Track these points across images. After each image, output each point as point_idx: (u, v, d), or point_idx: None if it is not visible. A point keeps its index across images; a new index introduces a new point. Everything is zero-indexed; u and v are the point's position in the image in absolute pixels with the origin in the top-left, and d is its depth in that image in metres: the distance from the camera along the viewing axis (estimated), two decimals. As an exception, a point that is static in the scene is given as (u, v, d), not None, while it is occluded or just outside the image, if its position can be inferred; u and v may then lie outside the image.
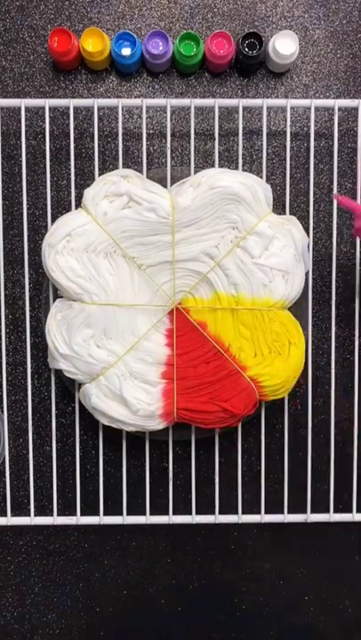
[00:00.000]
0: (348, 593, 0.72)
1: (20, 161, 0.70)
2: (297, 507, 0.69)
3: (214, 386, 0.64)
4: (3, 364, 0.69)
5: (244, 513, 0.68)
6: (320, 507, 0.69)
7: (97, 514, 0.68)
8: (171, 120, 0.71)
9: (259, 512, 0.68)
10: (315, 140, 0.71)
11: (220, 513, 0.68)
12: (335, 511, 0.69)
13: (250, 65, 0.70)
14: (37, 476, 0.71)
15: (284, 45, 0.69)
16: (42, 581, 0.71)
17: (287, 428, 0.68)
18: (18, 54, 0.71)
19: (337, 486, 0.69)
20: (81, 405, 0.66)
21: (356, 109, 0.68)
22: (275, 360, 0.64)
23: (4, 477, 0.68)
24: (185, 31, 0.69)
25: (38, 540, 0.71)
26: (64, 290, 0.63)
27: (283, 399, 0.67)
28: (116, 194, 0.63)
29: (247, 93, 0.72)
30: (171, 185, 0.66)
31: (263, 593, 0.72)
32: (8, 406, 0.71)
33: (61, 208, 0.70)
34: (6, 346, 0.70)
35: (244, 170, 0.70)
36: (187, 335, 0.64)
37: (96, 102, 0.66)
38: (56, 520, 0.68)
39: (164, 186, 0.65)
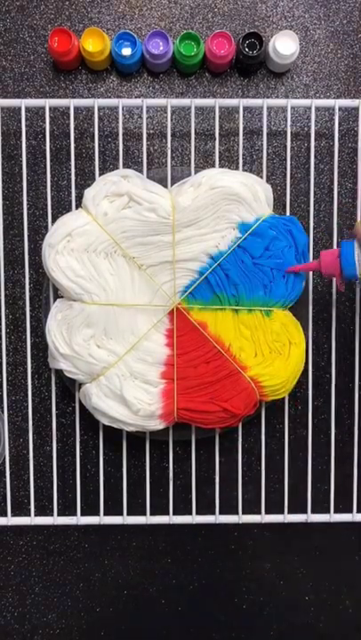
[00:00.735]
0: (348, 593, 0.72)
1: (20, 161, 0.70)
2: (297, 507, 0.69)
3: (214, 386, 0.64)
4: (3, 364, 0.69)
5: (244, 513, 0.68)
6: (320, 507, 0.69)
7: (97, 514, 0.68)
8: (171, 120, 0.71)
9: (259, 512, 0.68)
10: (315, 139, 0.71)
11: (220, 513, 0.68)
12: (335, 511, 0.69)
13: (250, 65, 0.70)
14: (37, 475, 0.71)
15: (284, 45, 0.69)
16: (42, 581, 0.71)
17: (287, 428, 0.68)
18: (18, 54, 0.71)
19: (337, 486, 0.69)
20: (81, 405, 0.66)
21: (356, 109, 0.68)
22: (275, 360, 0.64)
23: (4, 477, 0.68)
24: (185, 31, 0.69)
25: (38, 540, 0.71)
26: (64, 290, 0.63)
27: (283, 399, 0.67)
28: (117, 194, 0.63)
29: (247, 93, 0.72)
30: (171, 185, 0.66)
31: (263, 593, 0.72)
32: (8, 406, 0.71)
33: (61, 208, 0.70)
34: (6, 346, 0.70)
35: (244, 170, 0.70)
36: (187, 335, 0.64)
37: (96, 102, 0.66)
38: (56, 520, 0.68)
39: (165, 186, 0.65)
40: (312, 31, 0.72)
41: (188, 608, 0.71)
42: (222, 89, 0.72)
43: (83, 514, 0.68)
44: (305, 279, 0.65)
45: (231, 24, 0.72)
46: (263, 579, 0.72)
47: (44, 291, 0.67)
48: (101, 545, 0.71)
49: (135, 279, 0.63)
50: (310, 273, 0.67)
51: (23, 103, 0.66)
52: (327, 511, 0.69)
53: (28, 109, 0.70)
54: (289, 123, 0.67)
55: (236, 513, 0.68)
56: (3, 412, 0.70)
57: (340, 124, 0.71)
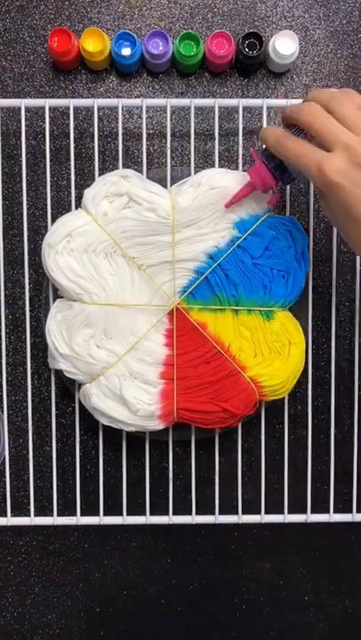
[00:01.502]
0: (348, 593, 0.72)
1: (20, 161, 0.70)
2: (297, 507, 0.69)
3: (214, 386, 0.64)
4: (3, 364, 0.69)
5: (244, 513, 0.68)
6: (320, 507, 0.69)
7: (97, 514, 0.68)
8: (171, 120, 0.71)
9: (259, 512, 0.68)
10: (315, 140, 0.71)
11: (220, 513, 0.68)
12: (335, 511, 0.69)
13: (250, 65, 0.70)
14: (37, 476, 0.71)
15: (284, 45, 0.69)
16: (42, 581, 0.71)
17: (287, 428, 0.68)
18: (18, 54, 0.71)
19: (337, 486, 0.69)
20: (81, 405, 0.66)
21: (356, 109, 0.68)
22: (275, 360, 0.64)
23: (4, 477, 0.68)
24: (185, 31, 0.69)
25: (38, 541, 0.71)
26: (64, 290, 0.63)
27: (283, 399, 0.67)
28: (117, 194, 0.63)
29: (247, 93, 0.72)
30: (171, 185, 0.66)
31: (263, 593, 0.72)
32: (8, 406, 0.71)
33: (61, 208, 0.70)
34: (6, 346, 0.70)
35: (244, 170, 0.70)
36: (187, 335, 0.64)
37: (96, 102, 0.66)
38: (56, 520, 0.68)
39: (164, 186, 0.65)
40: (312, 31, 0.72)
41: (188, 608, 0.71)
42: (222, 89, 0.72)
43: (82, 514, 0.68)
44: (305, 279, 0.65)
45: (231, 24, 0.72)
46: (263, 579, 0.72)
47: (44, 291, 0.67)
48: (101, 545, 0.71)
49: (135, 279, 0.63)
50: (310, 273, 0.67)
51: (23, 103, 0.66)
52: (327, 511, 0.69)
53: (27, 109, 0.70)
54: (289, 123, 0.67)
55: (236, 513, 0.68)
56: (3, 412, 0.70)
57: (339, 124, 0.71)
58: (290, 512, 0.68)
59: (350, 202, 0.51)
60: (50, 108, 0.69)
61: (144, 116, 0.66)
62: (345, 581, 0.72)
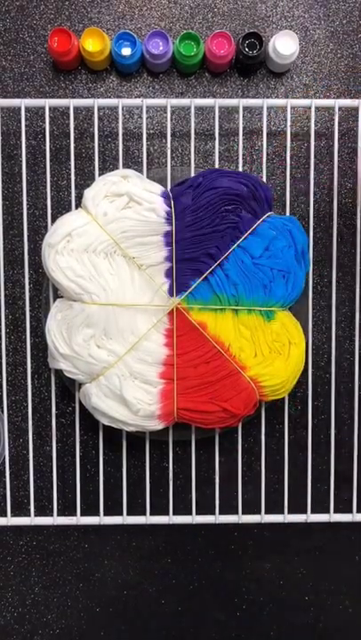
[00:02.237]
0: (348, 593, 0.72)
1: (20, 161, 0.70)
2: (297, 507, 0.69)
3: (214, 386, 0.63)
4: (3, 364, 0.69)
5: (244, 513, 0.68)
6: (320, 507, 0.69)
7: (97, 514, 0.68)
8: (171, 120, 0.71)
9: (259, 512, 0.68)
10: (315, 139, 0.71)
11: (220, 513, 0.68)
12: (335, 511, 0.69)
13: (250, 65, 0.70)
14: (37, 476, 0.71)
15: (284, 45, 0.69)
16: (42, 581, 0.71)
17: (287, 428, 0.68)
18: (18, 54, 0.71)
19: (337, 486, 0.69)
20: (81, 405, 0.66)
21: (356, 109, 0.68)
22: (275, 360, 0.64)
23: (4, 477, 0.68)
24: (185, 31, 0.69)
25: (38, 540, 0.71)
26: (64, 290, 0.63)
27: (283, 399, 0.67)
28: (117, 194, 0.63)
29: (247, 93, 0.72)
30: (171, 185, 0.66)
31: (263, 593, 0.72)
32: (8, 406, 0.71)
33: (61, 208, 0.70)
34: (6, 346, 0.70)
35: (244, 170, 0.70)
36: (187, 335, 0.64)
37: (96, 102, 0.66)
38: (56, 520, 0.68)
39: (165, 186, 0.65)
40: (312, 31, 0.72)
41: (188, 608, 0.71)
42: (222, 89, 0.72)
43: (82, 514, 0.68)
44: (305, 279, 0.65)
45: (231, 24, 0.72)
46: (263, 579, 0.72)
47: (44, 291, 0.67)
48: (101, 545, 0.71)
49: (135, 279, 0.63)
50: (310, 272, 0.67)
51: (23, 103, 0.66)
52: (327, 511, 0.69)
53: (27, 109, 0.70)
54: (289, 123, 0.67)
55: (236, 513, 0.68)
56: (3, 412, 0.70)
57: (339, 124, 0.71)
58: (290, 512, 0.68)
59: None
60: (50, 108, 0.69)
61: (144, 115, 0.66)
62: (345, 581, 0.72)
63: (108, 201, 0.63)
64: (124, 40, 0.69)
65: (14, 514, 0.69)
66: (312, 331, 0.71)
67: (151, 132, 0.71)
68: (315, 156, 0.71)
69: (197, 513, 0.68)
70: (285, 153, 0.70)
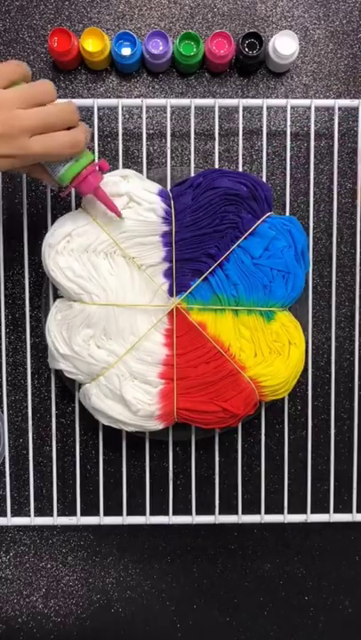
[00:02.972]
0: (348, 593, 0.72)
1: (20, 161, 0.70)
2: (297, 507, 0.69)
3: (214, 386, 0.63)
4: (3, 364, 0.69)
5: (244, 513, 0.68)
6: (320, 507, 0.69)
7: (97, 514, 0.68)
8: (171, 120, 0.71)
9: (259, 512, 0.68)
10: (315, 140, 0.71)
11: (220, 513, 0.68)
12: (335, 511, 0.69)
13: (250, 65, 0.70)
14: (37, 476, 0.71)
15: (284, 45, 0.69)
16: (42, 581, 0.71)
17: (287, 428, 0.68)
18: (18, 54, 0.71)
19: (337, 486, 0.69)
20: (81, 405, 0.66)
21: (356, 109, 0.68)
22: (275, 360, 0.64)
23: (4, 477, 0.68)
24: (185, 31, 0.69)
25: (38, 540, 0.71)
26: (64, 290, 0.63)
27: (283, 399, 0.67)
28: (117, 194, 0.63)
29: (247, 93, 0.72)
30: (171, 185, 0.66)
31: (263, 593, 0.72)
32: (8, 406, 0.71)
33: (61, 208, 0.70)
34: (6, 346, 0.70)
35: (244, 170, 0.70)
36: (187, 335, 0.64)
37: (96, 102, 0.66)
38: (56, 520, 0.68)
39: (164, 186, 0.65)
40: (312, 31, 0.72)
41: (188, 608, 0.71)
42: (222, 89, 0.72)
43: (83, 514, 0.68)
44: (305, 279, 0.65)
45: (231, 24, 0.72)
46: (263, 579, 0.72)
47: (44, 291, 0.67)
48: (101, 545, 0.71)
49: (135, 279, 0.63)
50: (310, 272, 0.67)
51: (23, 103, 0.66)
52: (327, 511, 0.69)
53: (27, 109, 0.70)
54: (289, 123, 0.67)
55: (236, 513, 0.68)
56: (3, 412, 0.70)
57: (339, 124, 0.71)
58: (290, 512, 0.68)
59: None
60: (50, 108, 0.69)
61: (144, 116, 0.66)
62: (345, 581, 0.72)
63: (108, 201, 0.63)
64: (123, 40, 0.69)
65: (14, 514, 0.69)
66: (312, 331, 0.71)
67: (151, 131, 0.71)
68: (315, 156, 0.71)
69: (197, 513, 0.68)
70: (285, 153, 0.70)
